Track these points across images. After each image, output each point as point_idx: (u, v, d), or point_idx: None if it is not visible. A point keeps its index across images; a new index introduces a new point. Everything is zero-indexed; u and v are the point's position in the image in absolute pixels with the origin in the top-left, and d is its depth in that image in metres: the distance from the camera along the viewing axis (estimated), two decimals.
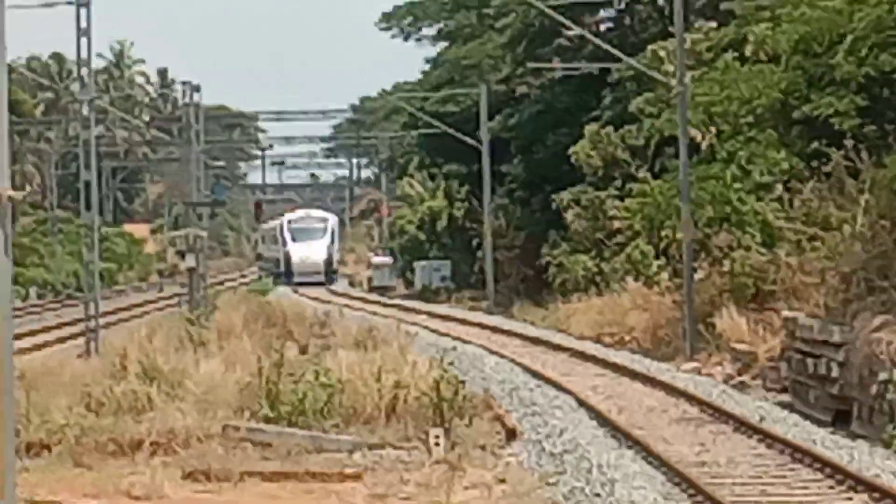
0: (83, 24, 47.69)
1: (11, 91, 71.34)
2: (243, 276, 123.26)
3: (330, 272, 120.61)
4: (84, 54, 48.84)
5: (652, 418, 33.56)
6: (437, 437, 28.90)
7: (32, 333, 60.47)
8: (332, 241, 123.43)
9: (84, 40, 47.96)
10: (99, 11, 47.30)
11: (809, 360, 33.30)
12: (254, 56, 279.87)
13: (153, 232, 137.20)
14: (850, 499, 23.36)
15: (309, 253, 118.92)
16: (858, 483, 23.97)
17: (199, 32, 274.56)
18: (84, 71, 51.37)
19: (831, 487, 24.35)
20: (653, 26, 72.35)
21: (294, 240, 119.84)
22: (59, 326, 63.69)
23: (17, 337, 55.23)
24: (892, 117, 44.66)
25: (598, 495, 23.84)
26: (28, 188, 79.82)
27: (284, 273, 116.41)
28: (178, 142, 70.70)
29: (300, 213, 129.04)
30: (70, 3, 47.80)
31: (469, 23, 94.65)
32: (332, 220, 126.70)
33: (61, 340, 55.77)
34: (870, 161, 39.82)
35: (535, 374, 42.89)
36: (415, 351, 40.84)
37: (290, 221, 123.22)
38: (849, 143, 43.11)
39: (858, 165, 40.25)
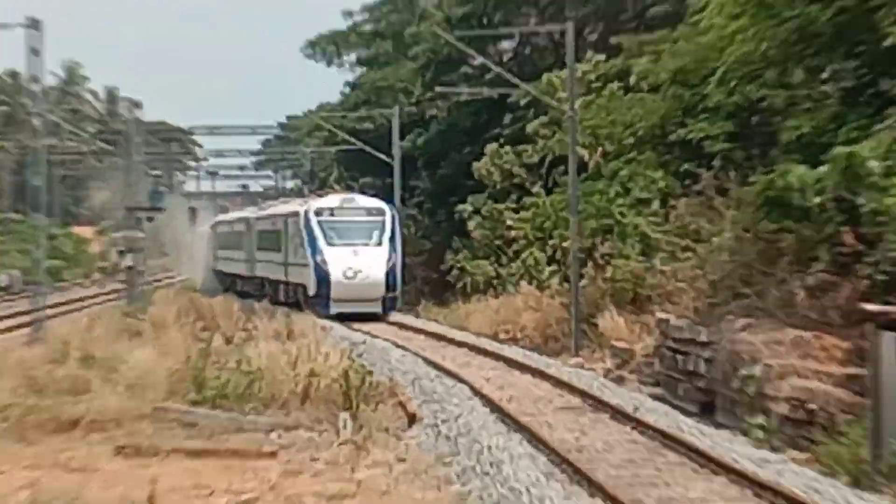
0: (35, 45, 47.43)
1: None
2: (178, 275, 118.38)
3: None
4: (36, 72, 48.60)
5: (539, 406, 33.61)
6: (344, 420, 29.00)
7: None
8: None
9: (36, 59, 47.70)
10: (51, 33, 47.18)
11: (679, 357, 33.49)
12: (192, 75, 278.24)
13: (98, 233, 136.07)
14: (711, 481, 23.55)
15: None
16: (719, 466, 24.19)
17: (143, 53, 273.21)
18: (36, 87, 51.11)
19: (695, 471, 24.55)
20: (548, 56, 72.52)
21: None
22: (10, 317, 63.07)
23: None
24: (758, 141, 44.90)
25: (486, 474, 23.93)
26: None
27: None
28: (121, 153, 70.33)
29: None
30: (23, 25, 47.49)
31: (385, 51, 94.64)
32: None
33: (9, 329, 55.34)
34: (736, 180, 40.03)
35: (435, 365, 42.64)
36: (328, 343, 40.90)
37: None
38: (717, 163, 43.49)
39: (726, 184, 40.46)
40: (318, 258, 63.13)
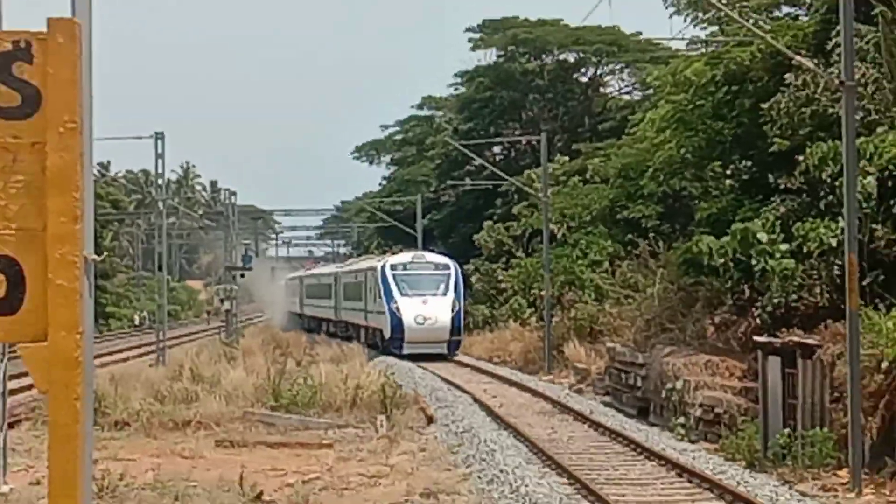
0: (160, 150, 47.59)
1: (113, 193, 70.65)
2: (259, 316, 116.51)
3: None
4: (160, 170, 48.74)
5: (522, 410, 33.48)
6: (381, 420, 28.89)
7: (120, 351, 59.99)
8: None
9: (160, 161, 47.84)
10: (172, 140, 47.58)
11: (623, 374, 33.40)
12: (273, 167, 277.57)
13: (205, 286, 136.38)
14: (644, 464, 23.45)
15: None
16: (651, 454, 24.09)
17: (236, 153, 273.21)
18: (160, 181, 51.23)
19: (633, 457, 24.44)
20: (528, 158, 72.63)
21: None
22: (140, 346, 63.02)
23: (110, 353, 54.87)
24: (679, 219, 44.94)
25: (483, 460, 23.85)
26: (105, 254, 76.98)
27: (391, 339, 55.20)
28: (222, 228, 70.31)
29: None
30: (151, 137, 47.70)
31: (411, 154, 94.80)
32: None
33: (140, 355, 55.32)
34: (664, 247, 40.05)
35: (446, 381, 42.42)
36: (369, 365, 40.80)
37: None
38: (650, 235, 43.47)
39: (657, 250, 40.47)
40: (393, 306, 55.23)
